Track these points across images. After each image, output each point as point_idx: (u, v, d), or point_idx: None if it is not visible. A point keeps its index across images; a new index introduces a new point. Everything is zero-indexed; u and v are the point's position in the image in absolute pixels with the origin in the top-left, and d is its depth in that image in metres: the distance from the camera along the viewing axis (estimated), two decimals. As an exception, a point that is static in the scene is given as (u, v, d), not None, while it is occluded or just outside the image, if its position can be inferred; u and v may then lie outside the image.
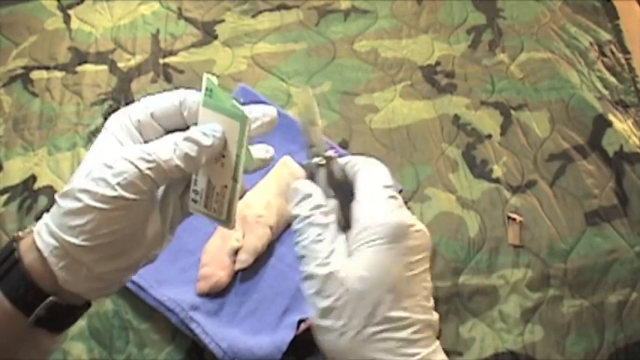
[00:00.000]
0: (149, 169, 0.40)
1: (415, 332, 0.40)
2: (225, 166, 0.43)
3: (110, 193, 0.40)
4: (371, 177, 0.44)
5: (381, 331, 0.40)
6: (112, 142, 0.43)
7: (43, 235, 0.42)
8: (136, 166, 0.40)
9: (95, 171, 0.40)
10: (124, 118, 0.44)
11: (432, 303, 0.43)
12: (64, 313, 0.44)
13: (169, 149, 0.41)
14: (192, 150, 0.41)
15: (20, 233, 0.44)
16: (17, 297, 0.42)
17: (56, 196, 0.42)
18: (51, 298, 0.42)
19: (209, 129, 0.42)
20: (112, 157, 0.41)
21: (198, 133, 0.42)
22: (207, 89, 0.41)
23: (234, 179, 0.43)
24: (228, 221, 0.45)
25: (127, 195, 0.40)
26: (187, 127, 0.43)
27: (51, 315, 0.43)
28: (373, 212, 0.42)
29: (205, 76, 0.41)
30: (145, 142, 0.44)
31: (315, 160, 0.45)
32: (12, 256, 0.42)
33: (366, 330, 0.40)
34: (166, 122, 0.44)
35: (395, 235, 0.41)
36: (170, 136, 0.43)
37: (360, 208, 0.43)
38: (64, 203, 0.41)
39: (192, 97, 0.44)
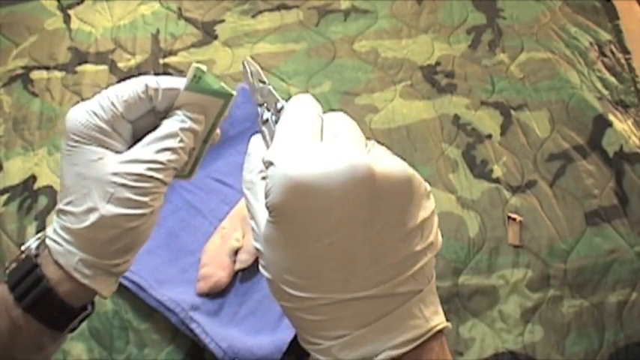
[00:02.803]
0: (167, 175, 0.42)
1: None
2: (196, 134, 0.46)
3: (147, 210, 0.41)
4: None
5: (291, 309, 0.35)
6: (102, 152, 0.42)
7: (83, 270, 0.42)
8: (158, 179, 0.42)
9: (118, 193, 0.40)
10: (93, 120, 0.42)
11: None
12: (89, 315, 0.46)
13: (178, 149, 0.43)
14: (190, 139, 0.43)
15: (32, 249, 0.43)
16: (51, 319, 0.43)
17: (81, 230, 0.41)
18: (86, 312, 0.45)
19: (198, 115, 0.44)
20: (127, 174, 0.41)
21: (191, 122, 0.43)
22: (194, 76, 0.44)
23: (205, 142, 0.47)
24: (189, 176, 0.49)
25: (159, 205, 0.42)
26: (152, 109, 0.44)
27: (80, 323, 0.45)
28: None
29: (194, 65, 0.43)
30: (123, 137, 0.43)
31: (263, 116, 0.41)
32: (41, 285, 0.42)
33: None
34: (133, 115, 0.43)
35: (276, 205, 0.33)
36: (169, 132, 0.43)
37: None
38: (98, 234, 0.41)
39: (160, 86, 0.43)
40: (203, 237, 0.83)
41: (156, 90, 0.43)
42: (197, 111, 0.44)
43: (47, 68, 1.10)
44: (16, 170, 0.95)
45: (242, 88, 0.97)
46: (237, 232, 0.81)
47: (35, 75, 1.09)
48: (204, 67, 0.43)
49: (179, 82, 0.44)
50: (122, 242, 0.42)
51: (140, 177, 0.41)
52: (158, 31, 1.16)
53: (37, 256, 0.43)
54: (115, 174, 0.41)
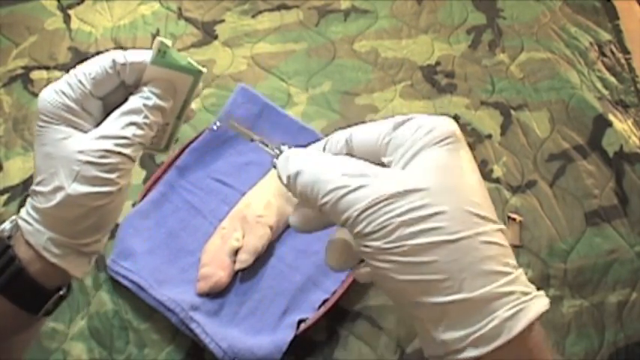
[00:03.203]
0: (134, 150, 0.42)
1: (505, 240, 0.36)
2: (169, 110, 0.47)
3: (114, 188, 0.41)
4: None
5: (479, 234, 0.35)
6: (70, 131, 0.42)
7: (51, 249, 0.42)
8: (124, 154, 0.41)
9: (85, 171, 0.40)
10: (61, 99, 0.42)
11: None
12: (65, 298, 0.46)
13: (143, 125, 0.42)
14: (157, 116, 0.44)
15: (6, 231, 0.44)
16: (24, 301, 0.43)
17: (48, 209, 0.41)
18: (59, 293, 0.45)
19: (164, 91, 0.44)
20: (92, 151, 0.41)
21: (157, 99, 0.43)
22: (159, 51, 0.44)
23: (179, 118, 0.48)
24: (166, 150, 0.50)
25: (125, 182, 0.42)
26: (122, 84, 0.44)
27: (55, 306, 0.45)
28: (414, 127, 0.39)
29: (158, 39, 0.44)
30: (93, 115, 0.43)
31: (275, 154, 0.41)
32: (13, 265, 0.42)
33: (466, 234, 0.35)
34: (102, 91, 0.44)
35: (451, 132, 0.38)
36: (134, 108, 0.43)
37: (393, 140, 0.39)
38: (65, 213, 0.41)
39: (127, 60, 0.44)
40: (203, 237, 0.83)
41: (123, 65, 0.43)
42: (163, 87, 0.44)
43: (47, 68, 1.10)
44: (16, 170, 0.95)
45: (242, 88, 0.98)
46: (237, 232, 0.81)
47: (35, 75, 1.09)
48: (168, 42, 0.44)
49: (146, 55, 0.44)
50: (90, 221, 0.42)
51: (106, 153, 0.41)
52: (158, 31, 1.16)
53: (10, 237, 0.43)
54: (81, 152, 0.41)
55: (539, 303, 0.35)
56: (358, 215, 0.34)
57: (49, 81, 1.08)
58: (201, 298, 0.77)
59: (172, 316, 0.75)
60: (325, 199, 0.35)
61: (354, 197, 0.34)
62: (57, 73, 1.09)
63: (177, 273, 0.81)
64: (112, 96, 0.44)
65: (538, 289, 0.38)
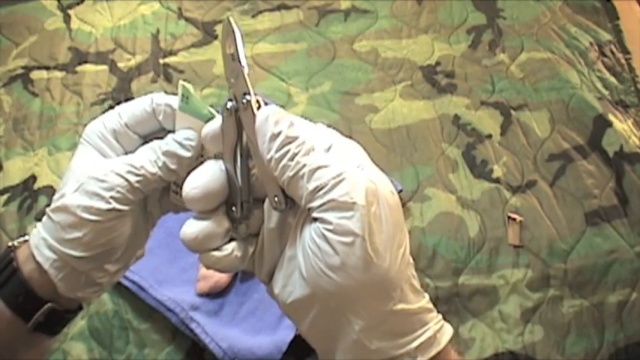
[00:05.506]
0: (138, 182, 0.43)
1: None
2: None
3: (104, 206, 0.42)
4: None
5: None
6: (94, 153, 0.44)
7: (41, 249, 0.43)
8: (127, 180, 0.42)
9: (86, 185, 0.42)
10: (100, 127, 0.44)
11: None
12: (61, 317, 0.46)
13: (155, 164, 0.43)
14: (172, 163, 0.43)
15: (16, 242, 0.45)
16: (17, 304, 0.44)
17: (49, 211, 0.43)
18: (49, 304, 0.44)
19: (185, 140, 0.43)
20: (101, 170, 0.42)
21: (176, 145, 0.43)
22: (183, 95, 0.43)
23: None
24: None
25: (119, 207, 0.42)
26: (163, 129, 0.45)
27: (49, 320, 0.45)
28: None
29: (181, 83, 0.43)
30: (125, 150, 0.45)
31: (229, 104, 0.40)
32: (10, 265, 0.44)
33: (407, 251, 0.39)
34: (141, 129, 0.45)
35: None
36: (152, 146, 0.44)
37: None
38: (59, 218, 0.42)
39: (162, 101, 0.45)
40: (203, 237, 0.83)
41: (159, 105, 0.44)
42: (187, 136, 0.44)
43: (47, 68, 1.10)
44: (16, 170, 0.95)
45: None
46: (237, 232, 0.81)
47: (35, 75, 1.09)
48: (190, 86, 0.43)
49: (175, 100, 0.44)
50: (78, 233, 0.42)
51: (110, 172, 0.42)
52: (158, 31, 1.16)
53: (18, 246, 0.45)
54: (91, 169, 0.43)
55: (447, 324, 0.39)
56: (337, 182, 0.37)
57: (49, 81, 1.08)
58: (201, 298, 0.77)
59: (172, 316, 0.75)
60: (309, 161, 0.38)
61: (337, 169, 0.38)
62: (57, 73, 1.09)
63: (178, 273, 0.81)
64: (154, 138, 0.45)
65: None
